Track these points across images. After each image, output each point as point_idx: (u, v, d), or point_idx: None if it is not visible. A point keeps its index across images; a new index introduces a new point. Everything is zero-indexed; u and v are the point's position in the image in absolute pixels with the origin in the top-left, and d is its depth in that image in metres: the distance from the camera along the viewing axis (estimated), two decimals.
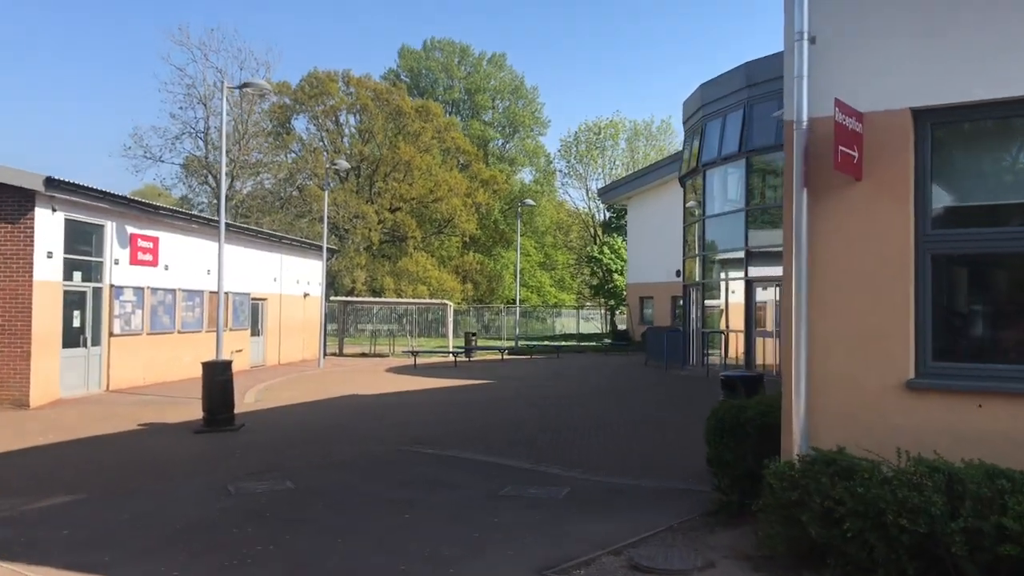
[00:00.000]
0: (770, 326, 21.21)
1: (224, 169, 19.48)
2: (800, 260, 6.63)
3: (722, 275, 23.38)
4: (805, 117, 6.63)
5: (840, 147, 6.26)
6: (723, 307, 23.41)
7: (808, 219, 6.66)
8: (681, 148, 27.54)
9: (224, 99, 18.91)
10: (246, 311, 25.54)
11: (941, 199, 6.58)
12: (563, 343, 42.06)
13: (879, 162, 6.52)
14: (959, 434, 6.09)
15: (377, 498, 8.79)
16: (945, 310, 6.57)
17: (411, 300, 45.29)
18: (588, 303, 62.95)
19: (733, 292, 22.58)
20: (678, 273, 37.49)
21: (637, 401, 16.84)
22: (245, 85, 19.46)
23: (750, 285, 21.58)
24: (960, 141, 6.67)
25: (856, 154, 6.47)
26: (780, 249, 19.43)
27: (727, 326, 22.77)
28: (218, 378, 13.50)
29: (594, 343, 43.08)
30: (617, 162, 65.71)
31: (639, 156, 64.25)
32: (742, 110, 21.70)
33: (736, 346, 22.07)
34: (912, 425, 6.27)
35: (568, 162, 67.02)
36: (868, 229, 6.54)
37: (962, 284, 6.72)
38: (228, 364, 13.94)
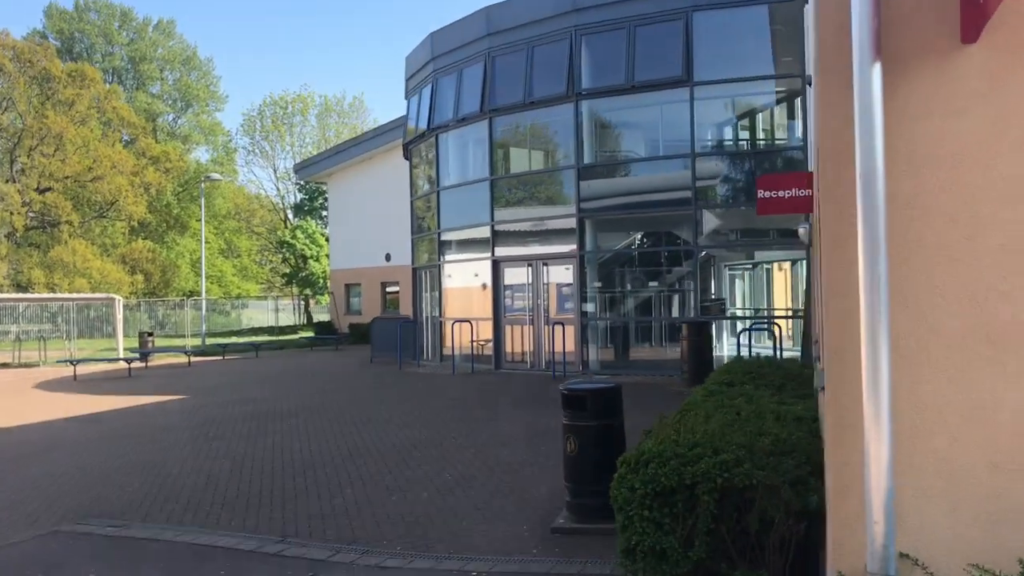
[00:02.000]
0: (492, 311, 18.53)
1: None
2: (873, 204, 3.41)
3: (462, 256, 20.36)
4: None
5: None
6: (454, 291, 20.45)
7: (884, 123, 3.47)
8: (404, 114, 24.02)
9: None
10: None
11: None
12: (257, 338, 37.15)
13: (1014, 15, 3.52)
14: None
15: None
16: None
17: (68, 296, 37.79)
18: (276, 292, 57.65)
19: (476, 275, 19.60)
20: (388, 257, 34.26)
21: (391, 414, 13.23)
22: None
23: (497, 266, 18.73)
24: None
25: None
26: (530, 227, 16.60)
27: (441, 313, 19.80)
28: None
29: (293, 336, 38.61)
30: (307, 140, 61.00)
31: (331, 134, 60.00)
32: (483, 63, 18.74)
33: (479, 335, 19.14)
34: None
35: (252, 139, 61.13)
36: (994, 137, 3.53)
37: None
38: None
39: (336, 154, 37.01)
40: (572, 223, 17.27)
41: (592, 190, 17.22)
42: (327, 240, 48.12)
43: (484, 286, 19.26)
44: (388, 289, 35.43)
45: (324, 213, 55.90)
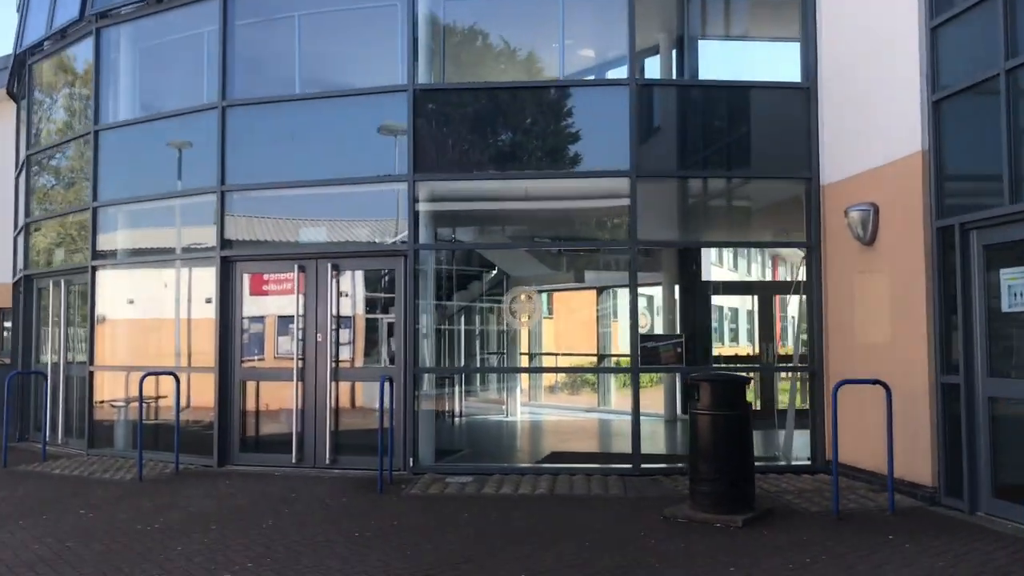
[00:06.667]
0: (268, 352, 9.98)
1: None
2: None
3: (143, 255, 11.24)
4: None
5: None
6: (122, 322, 11.31)
7: None
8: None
9: None
10: None
11: None
12: None
13: None
14: None
15: None
16: None
17: None
18: None
19: (186, 280, 10.67)
20: None
21: None
22: None
23: (230, 271, 10.07)
24: None
25: None
26: (306, 198, 8.55)
27: (93, 359, 10.85)
28: None
29: None
30: None
31: None
32: None
33: (159, 392, 10.31)
34: None
35: None
36: None
37: None
38: None
39: None
40: (396, 192, 9.38)
41: (435, 136, 9.51)
42: None
43: (183, 313, 10.52)
44: None
45: None
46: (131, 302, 11.32)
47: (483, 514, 7.29)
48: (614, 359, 16.08)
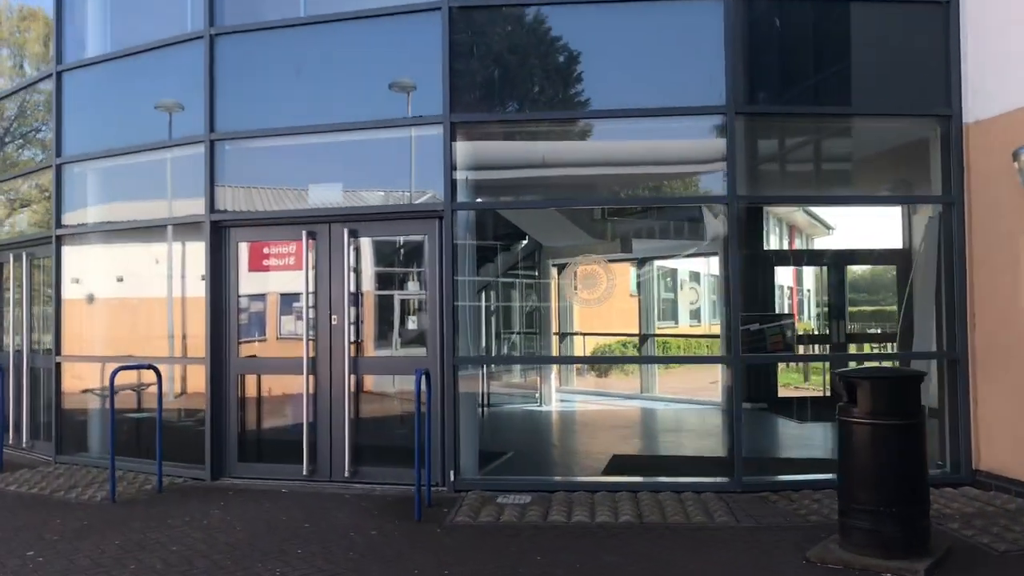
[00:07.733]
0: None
1: None
2: None
3: (118, 222, 9.34)
4: None
5: None
6: (96, 304, 9.47)
7: None
8: None
9: None
10: None
11: None
12: None
13: None
14: None
15: None
16: None
17: None
18: None
19: (179, 260, 8.84)
20: None
21: None
22: None
23: (222, 238, 8.21)
24: None
25: None
26: (316, 146, 6.95)
27: (59, 348, 9.06)
28: None
29: None
30: None
31: None
32: None
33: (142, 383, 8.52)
34: None
35: None
36: None
37: None
38: None
39: None
40: (428, 138, 7.54)
41: (476, 67, 7.63)
42: None
43: (173, 291, 8.69)
44: None
45: None
46: (109, 280, 9.45)
47: (561, 557, 5.49)
48: (706, 342, 14.11)
